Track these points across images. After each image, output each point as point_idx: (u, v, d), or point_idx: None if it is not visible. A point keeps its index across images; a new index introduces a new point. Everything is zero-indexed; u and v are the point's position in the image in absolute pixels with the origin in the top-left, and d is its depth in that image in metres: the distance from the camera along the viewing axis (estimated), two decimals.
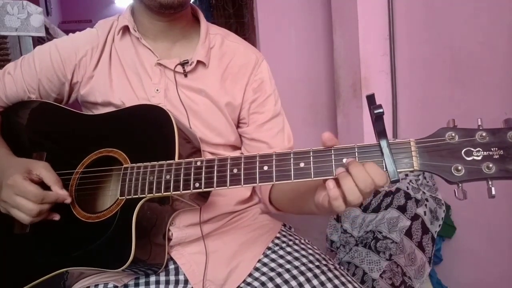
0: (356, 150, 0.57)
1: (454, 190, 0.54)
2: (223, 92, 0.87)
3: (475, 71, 1.45)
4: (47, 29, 1.55)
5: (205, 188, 0.65)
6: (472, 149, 0.53)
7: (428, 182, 1.72)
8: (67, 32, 1.20)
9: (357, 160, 0.57)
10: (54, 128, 0.87)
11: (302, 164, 0.59)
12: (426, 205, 1.62)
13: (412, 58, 1.84)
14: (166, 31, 0.86)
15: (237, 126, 0.92)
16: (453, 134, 0.54)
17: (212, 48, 0.89)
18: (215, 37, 0.90)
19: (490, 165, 0.52)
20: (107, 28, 0.89)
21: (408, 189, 1.67)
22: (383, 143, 0.55)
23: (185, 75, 0.86)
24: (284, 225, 0.98)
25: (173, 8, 0.80)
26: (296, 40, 2.82)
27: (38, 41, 1.53)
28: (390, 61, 1.96)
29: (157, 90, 0.84)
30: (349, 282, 0.79)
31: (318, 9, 2.75)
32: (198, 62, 0.86)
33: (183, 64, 0.85)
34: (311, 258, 0.83)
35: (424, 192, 1.66)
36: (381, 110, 0.55)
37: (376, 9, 1.94)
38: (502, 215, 1.39)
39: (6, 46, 1.49)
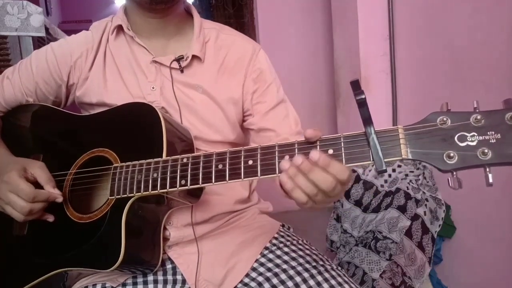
0: (342, 140, 0.55)
1: (448, 179, 0.50)
2: (221, 87, 0.87)
3: (475, 71, 1.45)
4: (47, 29, 1.55)
5: (191, 185, 0.64)
6: (466, 134, 0.49)
7: (428, 182, 1.72)
8: (67, 32, 1.20)
9: (343, 149, 0.55)
10: (49, 130, 0.88)
11: (287, 157, 0.57)
12: (426, 205, 1.62)
13: (412, 58, 1.84)
14: (160, 28, 0.86)
15: (243, 120, 0.92)
16: (445, 119, 0.50)
17: (207, 43, 0.89)
18: (210, 32, 0.90)
19: (486, 151, 0.48)
20: (101, 29, 0.89)
21: (408, 189, 1.67)
22: (369, 131, 0.52)
23: (181, 71, 0.85)
24: (283, 226, 0.97)
25: (163, 3, 0.79)
26: (296, 40, 2.82)
27: (38, 41, 1.52)
28: (390, 61, 1.96)
29: (153, 88, 0.84)
30: (346, 282, 0.78)
31: (318, 9, 2.74)
32: (194, 57, 0.86)
33: (179, 59, 0.85)
34: (308, 258, 0.83)
35: (424, 192, 1.66)
36: (362, 96, 0.52)
37: (376, 9, 1.94)
38: (502, 215, 1.39)
39: (6, 46, 1.48)
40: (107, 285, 0.77)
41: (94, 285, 0.78)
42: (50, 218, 0.77)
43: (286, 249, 0.86)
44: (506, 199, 1.32)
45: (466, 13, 1.47)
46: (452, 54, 1.55)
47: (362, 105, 0.52)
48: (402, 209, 1.62)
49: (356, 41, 1.99)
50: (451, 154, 0.49)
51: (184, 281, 0.81)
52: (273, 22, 2.79)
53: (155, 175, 0.67)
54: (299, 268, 0.80)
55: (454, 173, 0.50)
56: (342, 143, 0.55)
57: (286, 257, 0.84)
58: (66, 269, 0.75)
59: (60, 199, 0.75)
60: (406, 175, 1.74)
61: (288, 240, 0.90)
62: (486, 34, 1.38)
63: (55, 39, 0.93)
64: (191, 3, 0.95)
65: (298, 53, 2.83)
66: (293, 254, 0.85)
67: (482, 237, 1.52)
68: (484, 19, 1.39)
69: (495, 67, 1.35)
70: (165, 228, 0.80)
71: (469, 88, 1.48)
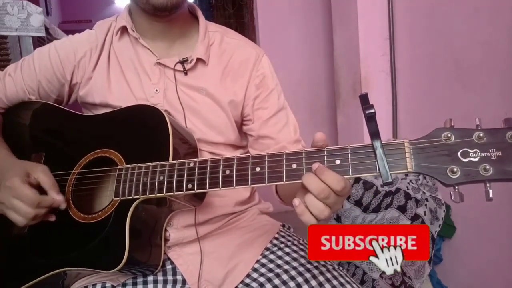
0: (349, 151, 0.56)
1: (450, 193, 0.53)
2: (224, 89, 0.87)
3: (475, 71, 1.45)
4: (47, 29, 1.55)
5: (197, 189, 0.64)
6: (469, 150, 0.51)
7: (428, 182, 1.72)
8: (67, 32, 1.20)
9: (349, 160, 0.56)
10: (53, 129, 0.88)
11: (294, 166, 0.58)
12: (426, 205, 1.62)
13: (412, 58, 1.84)
14: (164, 31, 0.86)
15: (242, 124, 0.92)
16: (449, 135, 0.52)
17: (211, 46, 0.89)
18: (214, 34, 0.90)
19: (488, 167, 0.50)
20: (105, 29, 0.88)
21: (408, 189, 1.67)
22: (376, 144, 0.54)
23: (185, 73, 0.85)
24: (283, 225, 0.97)
25: (167, 10, 0.79)
26: (296, 40, 2.82)
27: (38, 41, 1.53)
28: (390, 61, 1.96)
29: (156, 90, 0.84)
30: (348, 282, 0.78)
31: (318, 9, 2.74)
32: (198, 59, 0.86)
33: (183, 62, 0.85)
34: None
35: (424, 192, 1.66)
36: (372, 111, 0.53)
37: (376, 9, 1.94)
38: (502, 215, 1.39)
39: (6, 46, 1.49)
40: (107, 284, 0.77)
41: (94, 284, 0.78)
42: (52, 218, 0.76)
43: (287, 250, 0.86)
44: (506, 199, 1.32)
45: (466, 13, 1.47)
46: (452, 54, 1.55)
47: (371, 119, 0.54)
48: (402, 209, 1.62)
49: (356, 41, 1.99)
50: (455, 169, 0.52)
51: (184, 281, 0.81)
52: (273, 22, 2.79)
53: (161, 178, 0.67)
54: (301, 269, 0.80)
55: (456, 187, 0.52)
56: (349, 154, 0.56)
57: (287, 258, 0.84)
58: (67, 268, 0.75)
59: (63, 206, 0.74)
60: (406, 175, 1.74)
61: (289, 240, 0.90)
62: (486, 34, 1.38)
63: (55, 39, 0.93)
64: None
65: (298, 53, 2.82)
66: (294, 255, 0.85)
67: (482, 237, 1.52)
68: (484, 19, 1.39)
69: (495, 67, 1.35)
70: (165, 230, 0.80)
71: (469, 88, 1.48)
